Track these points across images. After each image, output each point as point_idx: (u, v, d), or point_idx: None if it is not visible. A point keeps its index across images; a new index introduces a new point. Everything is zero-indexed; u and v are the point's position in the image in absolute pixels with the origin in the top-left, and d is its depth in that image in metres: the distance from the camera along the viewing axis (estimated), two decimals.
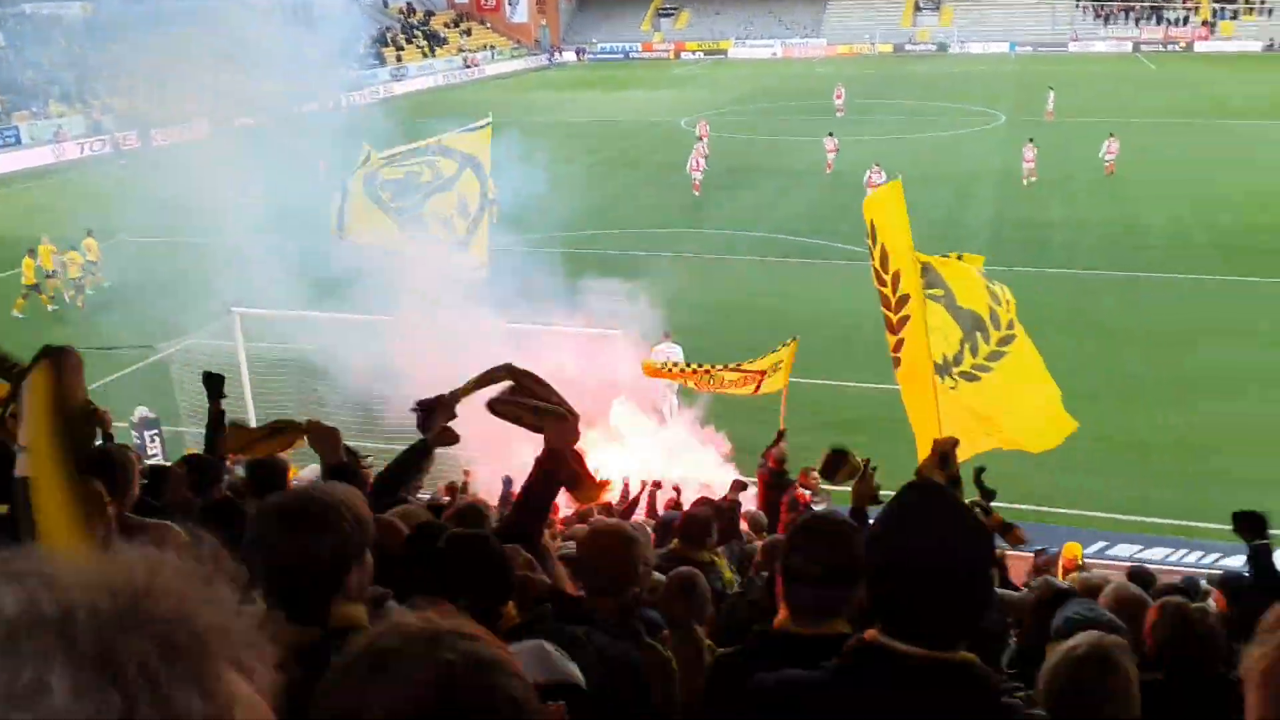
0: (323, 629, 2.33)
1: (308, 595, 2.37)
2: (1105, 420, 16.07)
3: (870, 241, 9.14)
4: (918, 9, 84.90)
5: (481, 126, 15.10)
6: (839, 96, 49.39)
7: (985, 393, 8.67)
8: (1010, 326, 8.72)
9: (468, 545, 3.05)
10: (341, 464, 4.24)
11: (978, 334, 8.72)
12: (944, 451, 4.28)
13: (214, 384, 6.20)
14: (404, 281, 14.82)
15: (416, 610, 1.22)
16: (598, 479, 3.80)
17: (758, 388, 12.67)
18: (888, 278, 8.72)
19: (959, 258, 9.31)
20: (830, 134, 37.40)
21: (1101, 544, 13.14)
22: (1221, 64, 66.47)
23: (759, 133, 44.35)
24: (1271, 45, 73.73)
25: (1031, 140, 33.85)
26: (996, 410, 8.70)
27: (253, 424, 15.70)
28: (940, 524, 2.03)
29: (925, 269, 8.82)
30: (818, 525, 2.85)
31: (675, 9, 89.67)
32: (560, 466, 3.62)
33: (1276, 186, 31.74)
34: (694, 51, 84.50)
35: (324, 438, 4.26)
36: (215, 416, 6.19)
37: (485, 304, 14.44)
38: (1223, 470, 14.71)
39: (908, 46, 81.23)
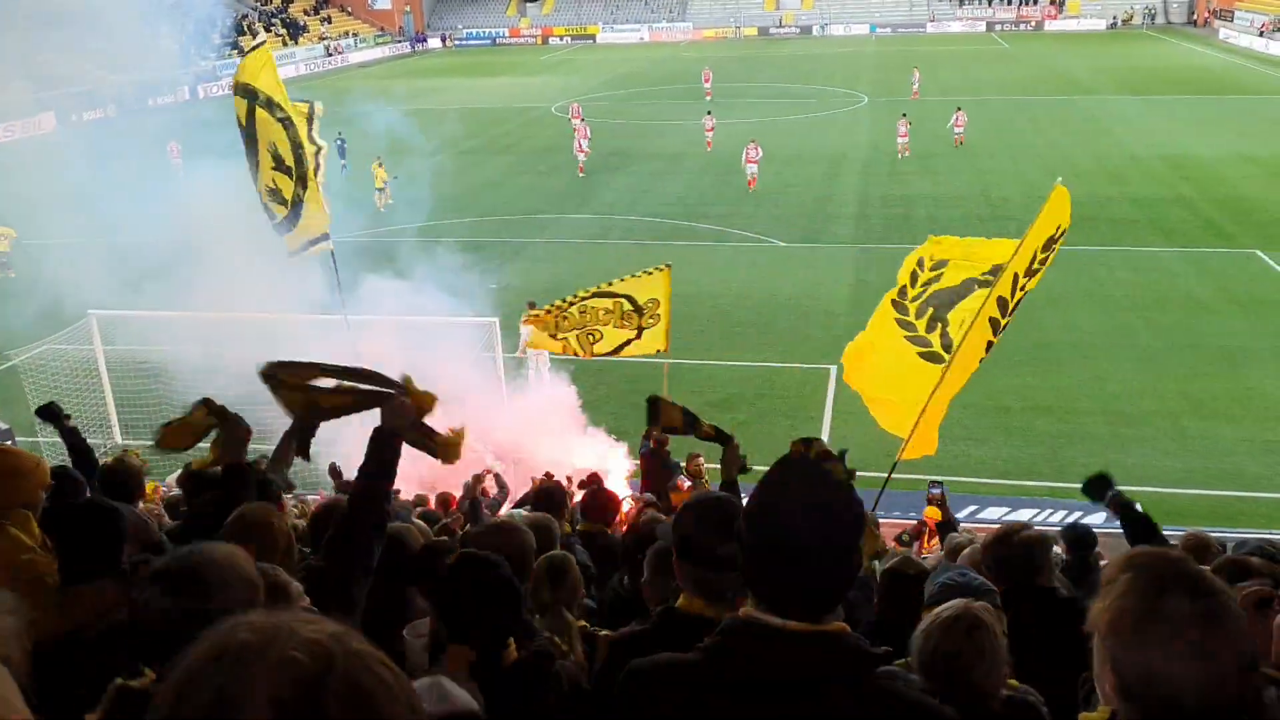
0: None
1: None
2: (969, 386, 16.62)
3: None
4: None
5: (256, 45, 12.02)
6: (707, 80, 49.89)
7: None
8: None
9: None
10: (241, 465, 4.06)
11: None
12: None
13: (50, 415, 5.97)
14: (254, 274, 14.24)
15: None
16: (451, 434, 3.56)
17: (638, 334, 12.44)
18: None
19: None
20: (709, 113, 38.40)
21: (972, 508, 13.57)
22: (1070, 42, 69.34)
23: (631, 118, 44.41)
24: (1115, 23, 77.26)
25: (905, 115, 35.25)
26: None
27: (115, 428, 15.10)
28: (812, 496, 2.04)
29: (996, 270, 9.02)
30: (720, 507, 2.82)
31: None
32: (389, 445, 3.36)
33: (1124, 158, 33.31)
34: (561, 37, 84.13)
35: (235, 433, 4.03)
36: (68, 439, 5.96)
37: (342, 294, 13.99)
38: (1081, 431, 15.39)
39: (773, 30, 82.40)
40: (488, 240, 26.53)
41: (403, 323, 14.14)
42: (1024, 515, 13.37)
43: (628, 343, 12.41)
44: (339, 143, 31.34)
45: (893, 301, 9.03)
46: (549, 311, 12.20)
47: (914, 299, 8.91)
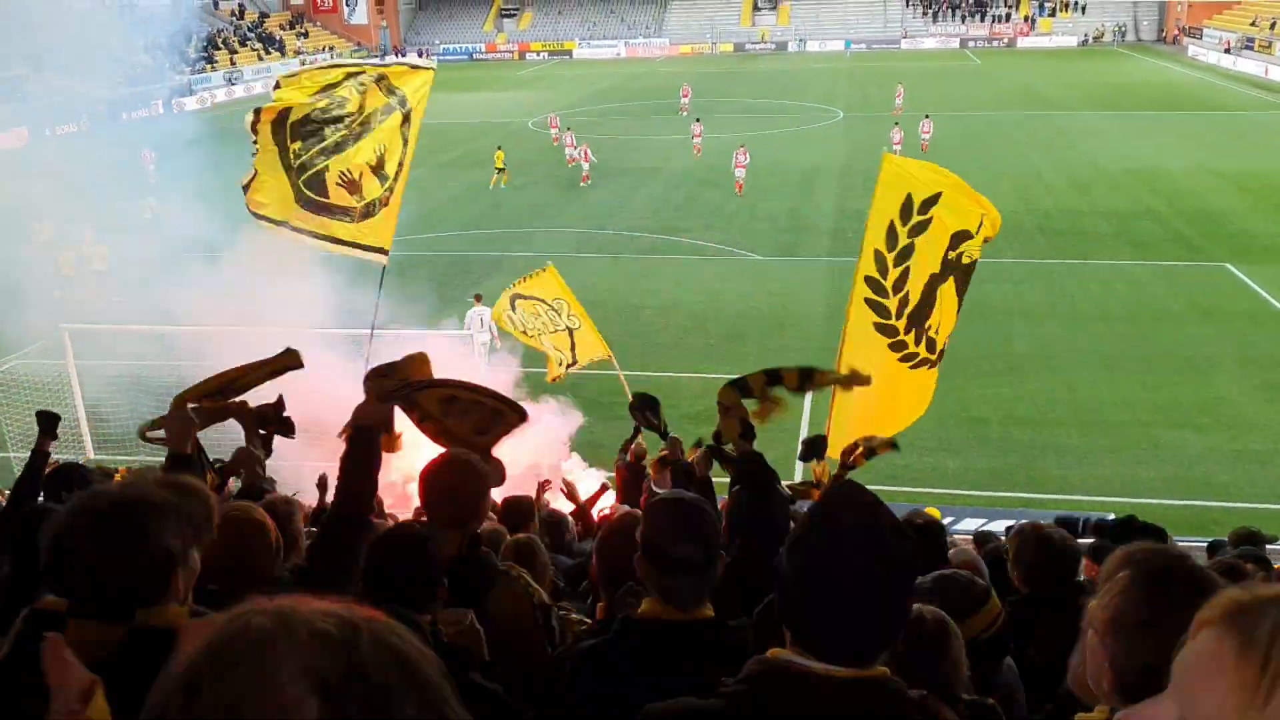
0: (128, 628, 2.23)
1: (121, 603, 2.26)
2: (945, 398, 16.74)
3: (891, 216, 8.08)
4: (756, 9, 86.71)
5: (425, 67, 11.56)
6: (685, 95, 50.14)
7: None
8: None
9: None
10: (185, 455, 4.05)
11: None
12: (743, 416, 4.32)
13: (48, 422, 5.90)
14: (236, 286, 14.22)
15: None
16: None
17: (570, 336, 12.85)
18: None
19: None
20: (698, 120, 40.25)
21: (948, 519, 13.65)
22: (1042, 58, 70.08)
23: (607, 132, 44.50)
24: (1086, 40, 78.19)
25: (898, 124, 36.85)
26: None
27: (87, 442, 14.98)
28: (869, 533, 1.86)
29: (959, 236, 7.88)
30: (683, 509, 2.74)
31: (517, 10, 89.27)
32: (364, 444, 3.39)
33: (1094, 172, 33.68)
34: (538, 52, 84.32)
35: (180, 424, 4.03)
36: (40, 457, 5.91)
37: (320, 309, 13.97)
38: (1055, 442, 15.52)
39: (748, 46, 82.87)
40: (465, 254, 26.51)
41: (378, 336, 14.10)
42: (999, 526, 13.46)
43: (572, 351, 12.73)
44: None
45: (866, 300, 8.01)
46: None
47: (893, 291, 7.88)
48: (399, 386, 3.39)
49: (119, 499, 2.31)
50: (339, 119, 10.53)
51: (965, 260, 7.79)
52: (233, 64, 68.90)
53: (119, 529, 2.24)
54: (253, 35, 75.44)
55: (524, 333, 13.30)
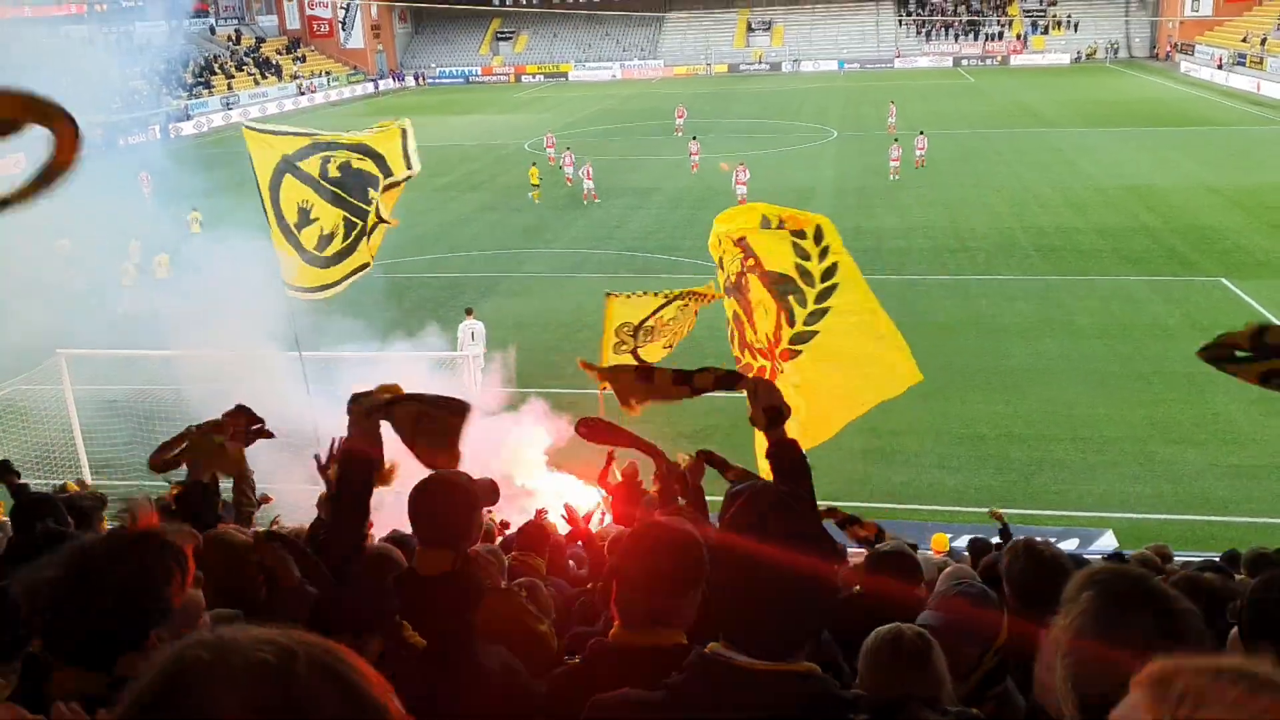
0: (109, 676, 2.24)
1: (100, 652, 2.29)
2: (944, 416, 16.79)
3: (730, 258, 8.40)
4: (750, 30, 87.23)
5: (394, 126, 11.82)
6: (680, 116, 50.44)
7: (818, 360, 7.87)
8: (828, 275, 7.80)
9: None
10: (201, 484, 4.09)
11: (791, 298, 7.88)
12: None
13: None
14: (225, 314, 14.22)
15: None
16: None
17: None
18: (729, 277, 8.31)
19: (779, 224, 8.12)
20: (694, 138, 41.01)
21: (947, 535, 13.64)
22: (1035, 76, 70.44)
23: (604, 153, 44.66)
24: (1079, 57, 78.63)
25: (897, 140, 37.33)
26: (834, 375, 7.91)
27: (85, 467, 14.96)
28: (779, 533, 2.01)
29: (740, 241, 8.16)
30: (653, 532, 2.76)
31: (513, 33, 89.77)
32: (357, 469, 3.43)
33: (1089, 189, 33.80)
34: (534, 74, 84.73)
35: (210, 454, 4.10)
36: (14, 492, 5.96)
37: (317, 333, 14.00)
38: (1052, 458, 15.53)
39: (743, 66, 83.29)
40: (462, 276, 26.56)
41: (377, 359, 14.16)
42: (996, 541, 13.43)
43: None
44: None
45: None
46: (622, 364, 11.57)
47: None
48: (375, 405, 3.43)
49: (97, 552, 2.36)
50: (320, 185, 10.91)
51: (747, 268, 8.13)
52: (229, 89, 69.19)
53: (98, 581, 2.29)
54: (249, 60, 75.78)
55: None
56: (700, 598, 2.67)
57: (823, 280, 7.76)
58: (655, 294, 11.46)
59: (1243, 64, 62.09)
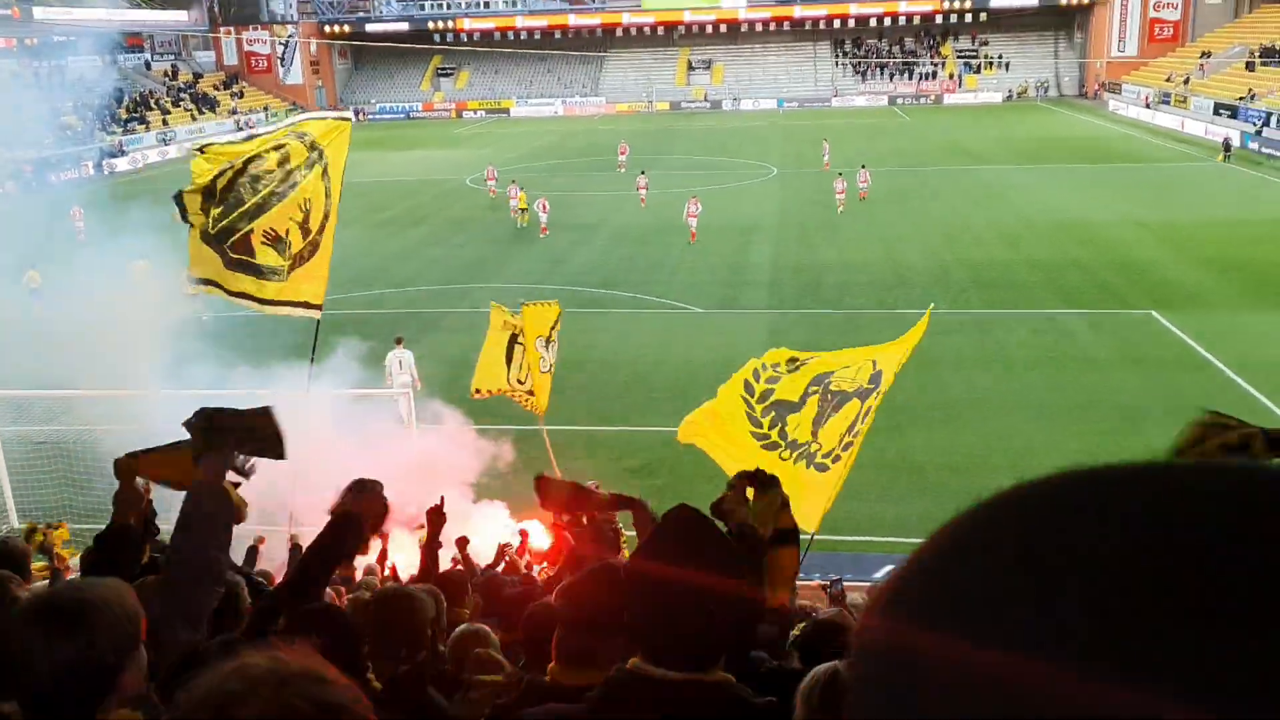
0: None
1: (72, 704, 2.22)
2: (883, 449, 16.95)
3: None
4: (691, 69, 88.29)
5: (339, 118, 11.80)
6: (623, 153, 50.77)
7: (822, 480, 8.87)
8: (866, 416, 8.90)
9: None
10: (126, 526, 3.97)
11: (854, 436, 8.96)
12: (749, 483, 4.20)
13: None
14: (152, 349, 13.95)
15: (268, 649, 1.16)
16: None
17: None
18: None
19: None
20: (643, 172, 41.44)
21: (888, 567, 13.74)
22: (968, 114, 72.08)
23: (547, 188, 44.80)
24: (1010, 96, 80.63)
25: (841, 174, 38.21)
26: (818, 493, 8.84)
27: (11, 513, 14.53)
28: (691, 550, 2.09)
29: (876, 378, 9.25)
30: (588, 572, 2.84)
31: (454, 69, 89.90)
32: (351, 533, 3.42)
33: (1021, 224, 34.56)
34: (476, 110, 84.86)
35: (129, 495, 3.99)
36: None
37: (254, 367, 13.79)
38: (992, 488, 15.66)
39: (684, 104, 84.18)
40: (403, 312, 26.37)
41: (314, 397, 13.92)
42: None
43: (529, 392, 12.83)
44: None
45: (742, 397, 9.30)
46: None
47: (759, 400, 9.23)
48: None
49: (58, 603, 2.32)
50: (257, 178, 10.57)
51: (835, 387, 9.20)
52: (165, 124, 68.38)
53: (60, 632, 2.24)
54: (186, 95, 74.99)
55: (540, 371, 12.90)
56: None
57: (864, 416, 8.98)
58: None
59: (1167, 103, 64.11)
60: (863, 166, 40.47)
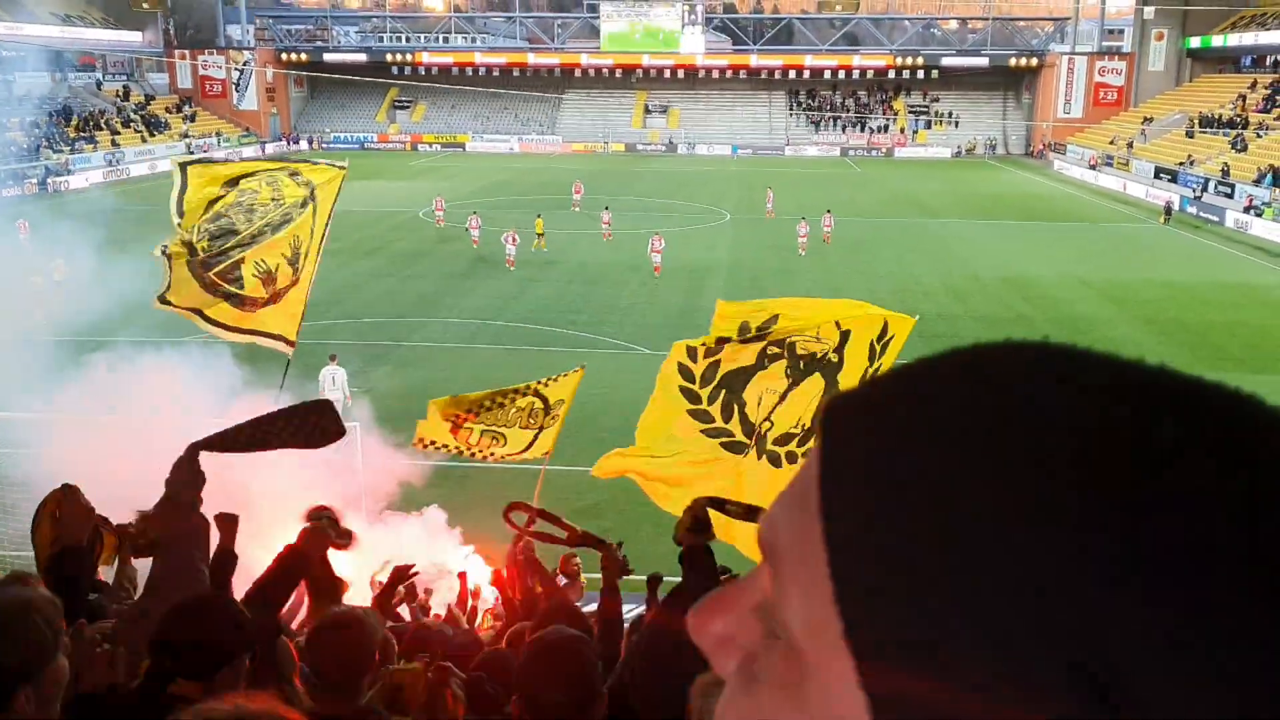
0: None
1: None
2: None
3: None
4: (647, 111, 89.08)
5: (336, 165, 12.27)
6: (578, 191, 50.93)
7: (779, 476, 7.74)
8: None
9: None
10: (78, 545, 3.82)
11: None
12: (696, 514, 4.14)
13: None
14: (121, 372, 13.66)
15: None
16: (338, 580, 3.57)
17: (536, 436, 12.03)
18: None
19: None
20: (606, 208, 42.58)
21: None
22: (917, 168, 73.40)
23: (502, 224, 44.77)
24: (959, 152, 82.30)
25: (804, 219, 39.50)
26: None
27: None
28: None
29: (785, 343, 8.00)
30: (557, 647, 2.76)
31: (411, 102, 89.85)
32: (302, 568, 3.36)
33: (967, 278, 35.14)
34: (431, 144, 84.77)
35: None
36: None
37: (199, 399, 13.46)
38: None
39: (639, 146, 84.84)
40: (352, 343, 26.07)
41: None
42: None
43: (528, 446, 11.97)
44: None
45: (680, 388, 8.19)
46: (452, 435, 11.54)
47: (702, 382, 8.05)
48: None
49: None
50: (251, 208, 10.63)
51: (802, 350, 7.94)
52: (114, 144, 67.44)
53: None
54: (137, 117, 74.09)
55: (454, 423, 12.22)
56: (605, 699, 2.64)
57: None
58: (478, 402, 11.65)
59: (1110, 165, 65.82)
60: (827, 211, 41.85)
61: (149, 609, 2.97)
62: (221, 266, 10.56)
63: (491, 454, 11.83)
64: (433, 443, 11.95)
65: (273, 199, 10.82)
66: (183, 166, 10.82)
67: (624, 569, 4.64)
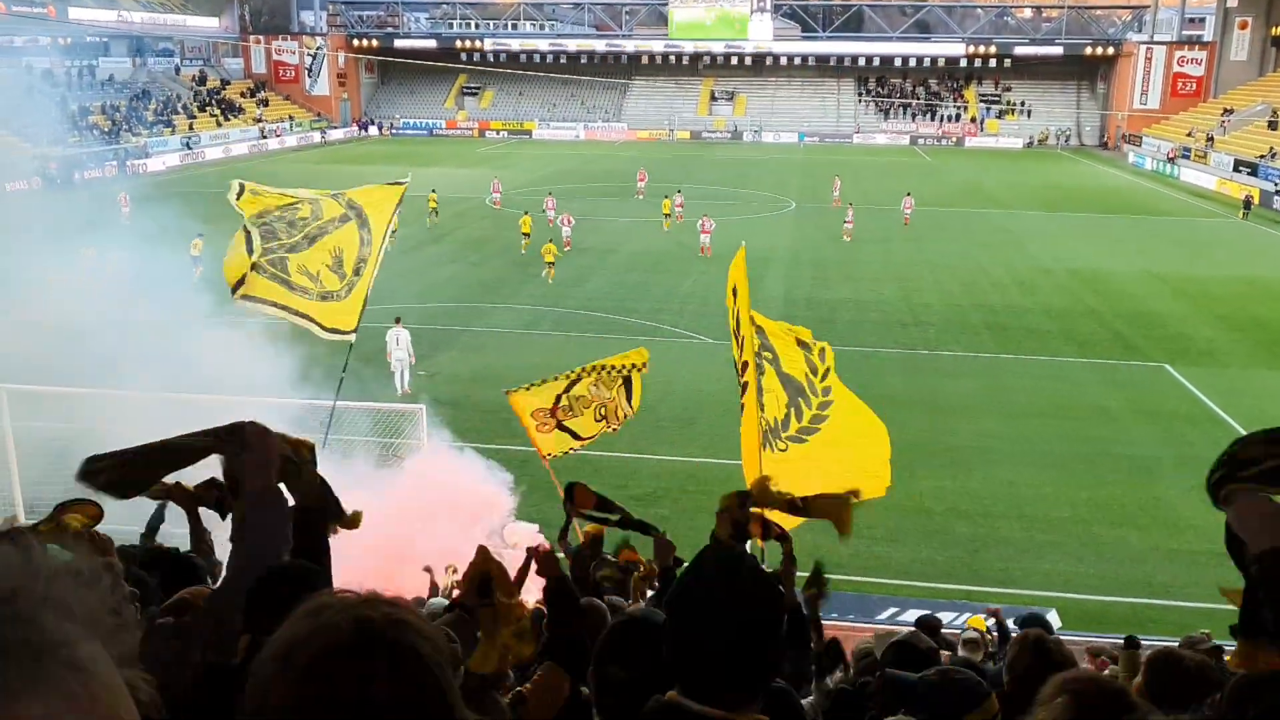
0: None
1: None
2: (891, 489, 16.85)
3: (731, 302, 9.89)
4: (713, 99, 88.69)
5: (393, 183, 13.29)
6: (642, 179, 50.93)
7: (812, 455, 9.17)
8: (826, 393, 9.27)
9: None
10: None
11: (800, 400, 9.27)
12: (735, 518, 4.20)
13: None
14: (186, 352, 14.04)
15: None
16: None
17: (618, 415, 12.88)
18: (741, 339, 9.35)
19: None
20: (679, 190, 43.89)
21: (892, 609, 13.66)
22: (988, 158, 72.21)
23: (566, 211, 44.99)
24: (1031, 143, 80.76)
25: (851, 204, 39.96)
26: (825, 470, 9.06)
27: (20, 507, 14.55)
28: (729, 587, 2.08)
29: (760, 331, 9.55)
30: (634, 629, 2.82)
31: (479, 89, 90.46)
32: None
33: (1036, 271, 34.54)
34: (498, 131, 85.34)
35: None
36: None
37: (270, 379, 13.83)
38: (996, 535, 15.65)
39: (705, 134, 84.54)
40: (417, 328, 26.41)
41: (322, 408, 13.94)
42: (944, 617, 13.46)
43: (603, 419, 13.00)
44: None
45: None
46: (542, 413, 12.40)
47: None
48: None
49: None
50: (292, 222, 11.95)
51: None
52: (191, 129, 68.90)
53: None
54: (212, 102, 75.59)
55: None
56: None
57: (823, 395, 9.34)
58: (556, 378, 12.48)
59: (1187, 157, 64.14)
60: (908, 194, 43.21)
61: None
62: (272, 258, 11.79)
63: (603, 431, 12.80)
64: (559, 454, 12.64)
65: (311, 213, 12.10)
66: (239, 190, 12.07)
67: (672, 555, 4.71)
